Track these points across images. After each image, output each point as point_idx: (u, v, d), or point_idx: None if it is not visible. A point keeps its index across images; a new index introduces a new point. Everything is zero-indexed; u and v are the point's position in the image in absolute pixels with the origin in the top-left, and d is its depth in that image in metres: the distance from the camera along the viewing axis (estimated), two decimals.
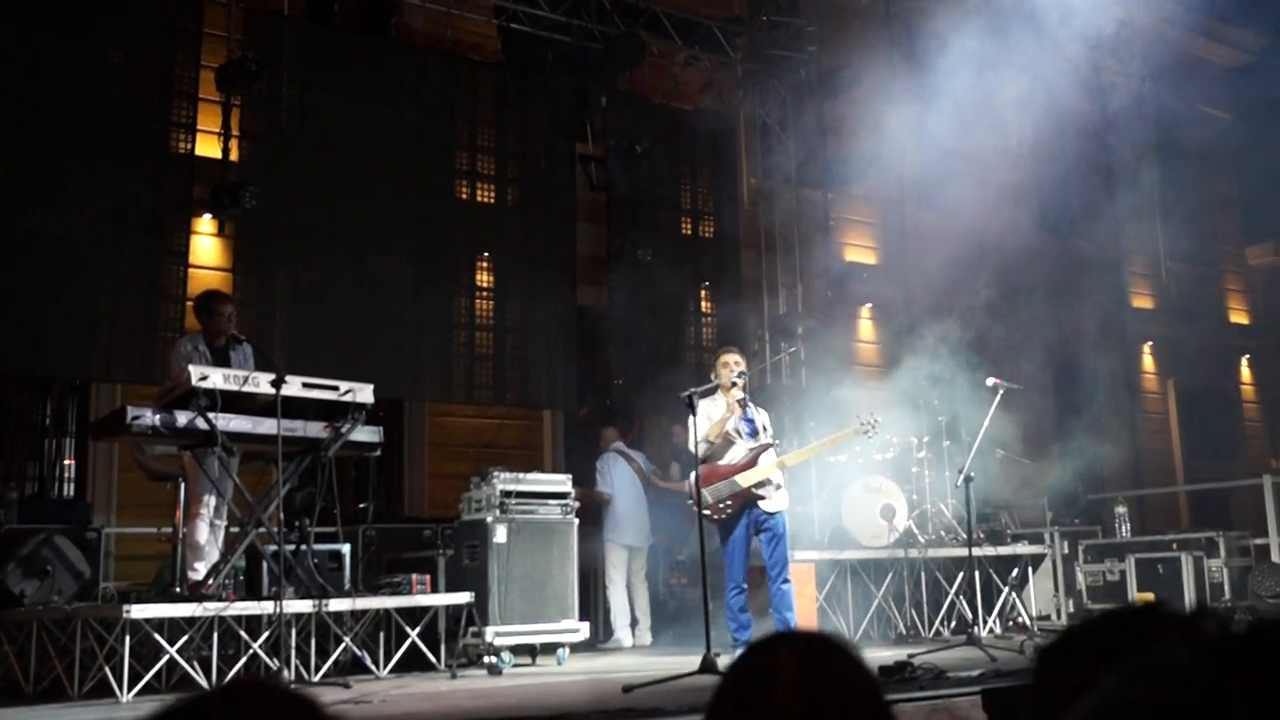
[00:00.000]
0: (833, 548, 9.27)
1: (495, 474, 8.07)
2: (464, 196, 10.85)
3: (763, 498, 7.02)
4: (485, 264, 10.89)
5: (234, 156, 9.56)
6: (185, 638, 6.41)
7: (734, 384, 7.07)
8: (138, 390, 8.47)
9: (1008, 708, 4.33)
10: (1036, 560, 10.34)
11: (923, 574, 9.51)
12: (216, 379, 6.44)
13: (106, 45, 9.19)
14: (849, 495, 9.42)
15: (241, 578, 7.34)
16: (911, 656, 6.19)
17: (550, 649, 8.08)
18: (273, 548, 6.81)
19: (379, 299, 10.14)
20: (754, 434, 7.15)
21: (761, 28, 12.45)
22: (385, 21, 10.72)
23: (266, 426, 6.53)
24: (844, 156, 12.46)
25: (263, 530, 6.94)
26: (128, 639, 6.09)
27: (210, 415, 6.40)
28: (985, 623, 9.19)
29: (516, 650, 7.87)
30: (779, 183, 12.73)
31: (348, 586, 7.54)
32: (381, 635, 7.30)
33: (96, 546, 8.10)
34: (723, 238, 12.60)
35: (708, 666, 5.94)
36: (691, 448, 6.89)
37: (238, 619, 6.53)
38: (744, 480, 7.00)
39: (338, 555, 7.77)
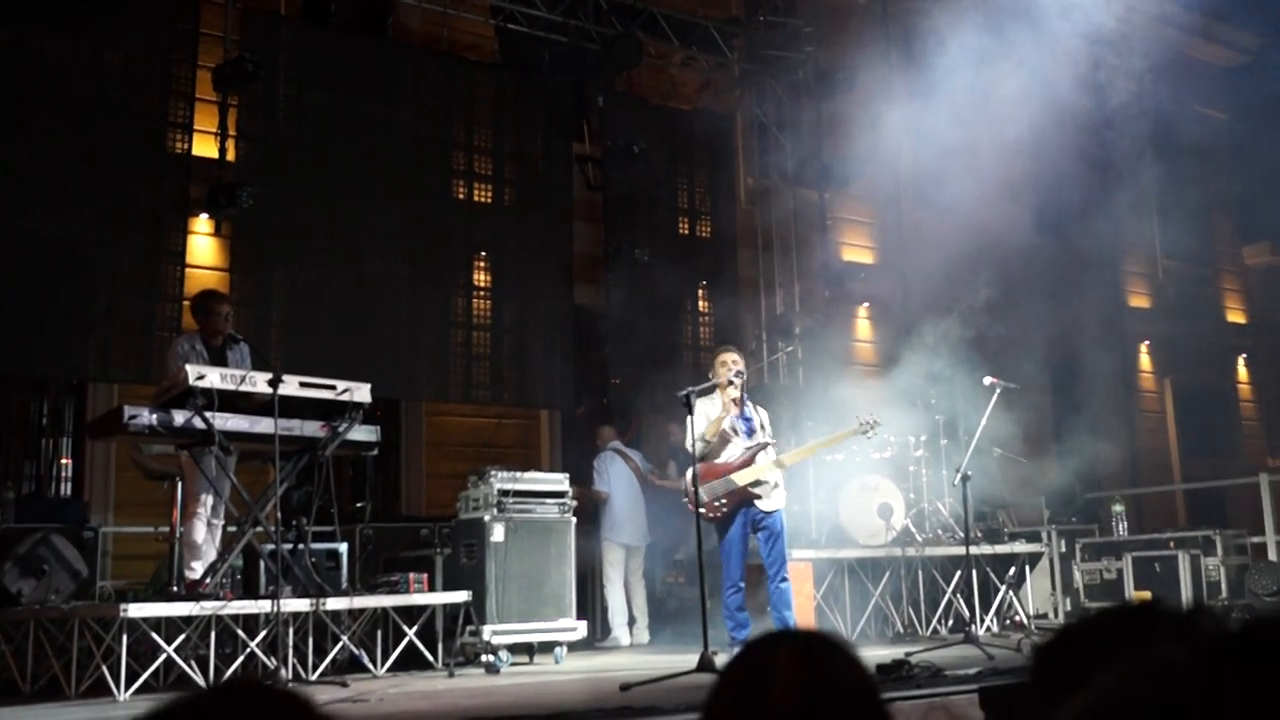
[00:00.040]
0: (830, 546, 9.27)
1: (492, 473, 8.07)
2: (461, 196, 10.85)
3: (759, 496, 7.02)
4: (482, 263, 10.89)
5: (231, 156, 9.55)
6: (182, 637, 6.41)
7: (731, 383, 7.06)
8: (135, 390, 8.46)
9: (1005, 706, 4.33)
10: (1034, 559, 10.35)
11: (920, 573, 9.52)
12: (214, 378, 6.44)
13: (104, 46, 9.18)
14: (846, 494, 9.42)
15: (239, 577, 7.34)
16: (909, 655, 6.19)
17: (548, 648, 8.08)
18: (270, 547, 6.80)
19: (376, 299, 10.14)
20: (751, 433, 7.15)
21: (759, 28, 12.45)
22: (382, 22, 10.70)
23: (264, 426, 6.53)
24: (841, 156, 12.47)
25: (260, 529, 6.94)
26: (125, 638, 6.09)
27: (207, 414, 6.39)
28: (982, 621, 9.20)
29: (514, 649, 7.86)
30: (776, 182, 12.74)
31: (345, 585, 7.54)
32: (379, 634, 7.30)
33: (93, 545, 8.10)
34: (720, 237, 12.60)
35: (705, 665, 5.95)
36: (688, 446, 6.89)
37: (235, 618, 6.53)
38: (739, 479, 7.00)
39: (335, 554, 7.78)
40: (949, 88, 10.29)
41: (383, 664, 7.21)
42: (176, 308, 9.04)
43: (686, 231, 12.48)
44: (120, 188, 9.08)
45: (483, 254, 10.90)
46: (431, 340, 10.48)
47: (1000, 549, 9.80)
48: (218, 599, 6.54)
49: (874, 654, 6.52)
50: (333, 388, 6.90)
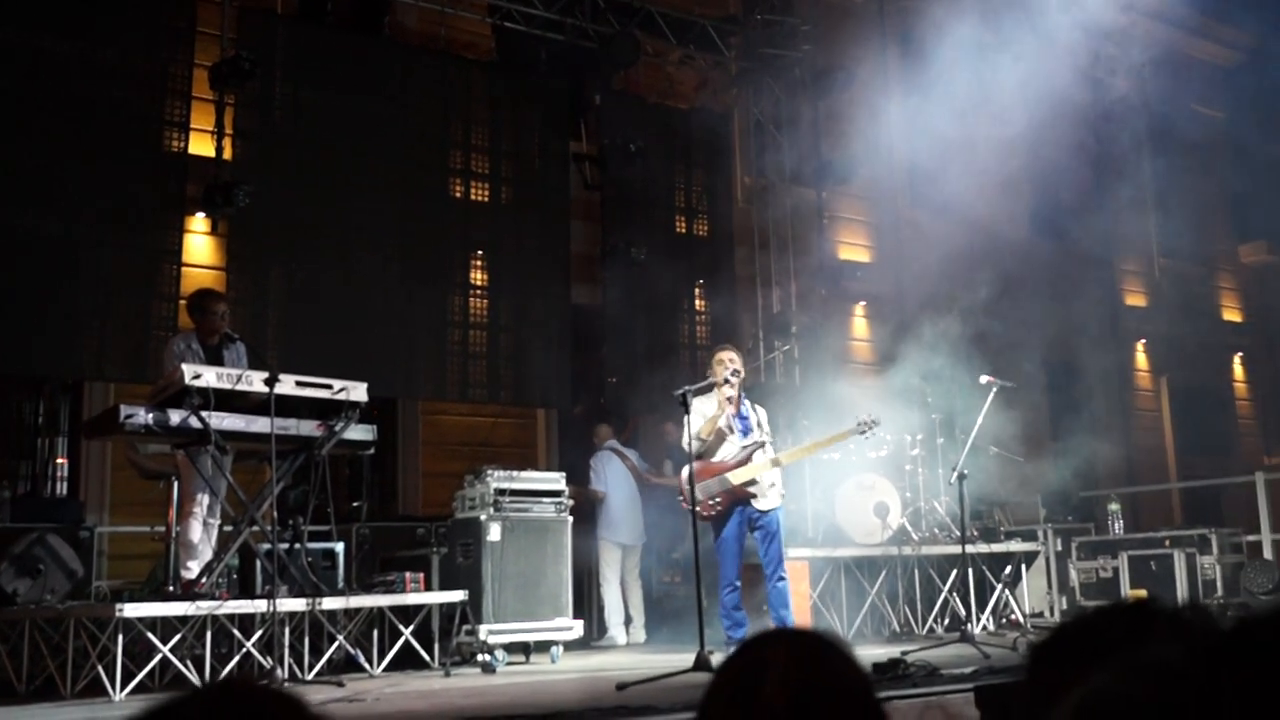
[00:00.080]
0: (826, 545, 9.27)
1: (489, 472, 8.07)
2: (458, 195, 10.84)
3: (754, 495, 7.01)
4: (479, 262, 10.88)
5: (227, 155, 9.53)
6: (178, 636, 6.40)
7: (728, 381, 7.05)
8: (131, 389, 8.44)
9: (1001, 705, 4.34)
10: (1030, 557, 10.35)
11: (916, 571, 9.52)
12: (210, 377, 6.43)
13: (100, 44, 9.15)
14: (843, 493, 9.42)
15: (235, 576, 7.33)
16: (905, 654, 6.19)
17: (544, 647, 8.08)
18: (266, 546, 6.80)
19: (373, 297, 10.13)
20: (747, 431, 7.14)
21: (756, 26, 12.45)
22: (379, 20, 10.69)
23: (260, 425, 6.52)
24: (838, 154, 12.47)
25: (256, 529, 6.93)
26: (120, 638, 6.07)
27: (203, 414, 6.39)
28: (978, 620, 9.20)
29: (510, 648, 7.86)
30: (773, 181, 12.74)
31: (341, 585, 7.54)
32: (375, 634, 7.30)
33: (89, 545, 8.08)
34: (717, 236, 12.60)
35: (701, 664, 5.94)
36: (685, 445, 6.89)
37: (231, 618, 6.52)
38: (734, 478, 7.00)
39: (331, 554, 7.78)
40: (945, 86, 10.30)
41: (379, 664, 7.20)
42: (173, 306, 9.02)
43: (684, 230, 12.47)
44: (116, 186, 9.06)
45: (479, 253, 10.89)
46: (428, 339, 10.47)
47: (996, 548, 9.81)
48: (214, 599, 6.53)
49: (870, 653, 6.51)
50: (329, 387, 6.89)
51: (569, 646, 8.29)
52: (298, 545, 6.98)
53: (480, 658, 7.56)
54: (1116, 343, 16.09)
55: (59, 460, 9.54)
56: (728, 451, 7.07)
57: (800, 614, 8.04)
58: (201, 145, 9.48)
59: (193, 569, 6.83)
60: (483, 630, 7.58)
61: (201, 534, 6.95)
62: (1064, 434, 13.45)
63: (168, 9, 9.45)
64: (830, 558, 9.18)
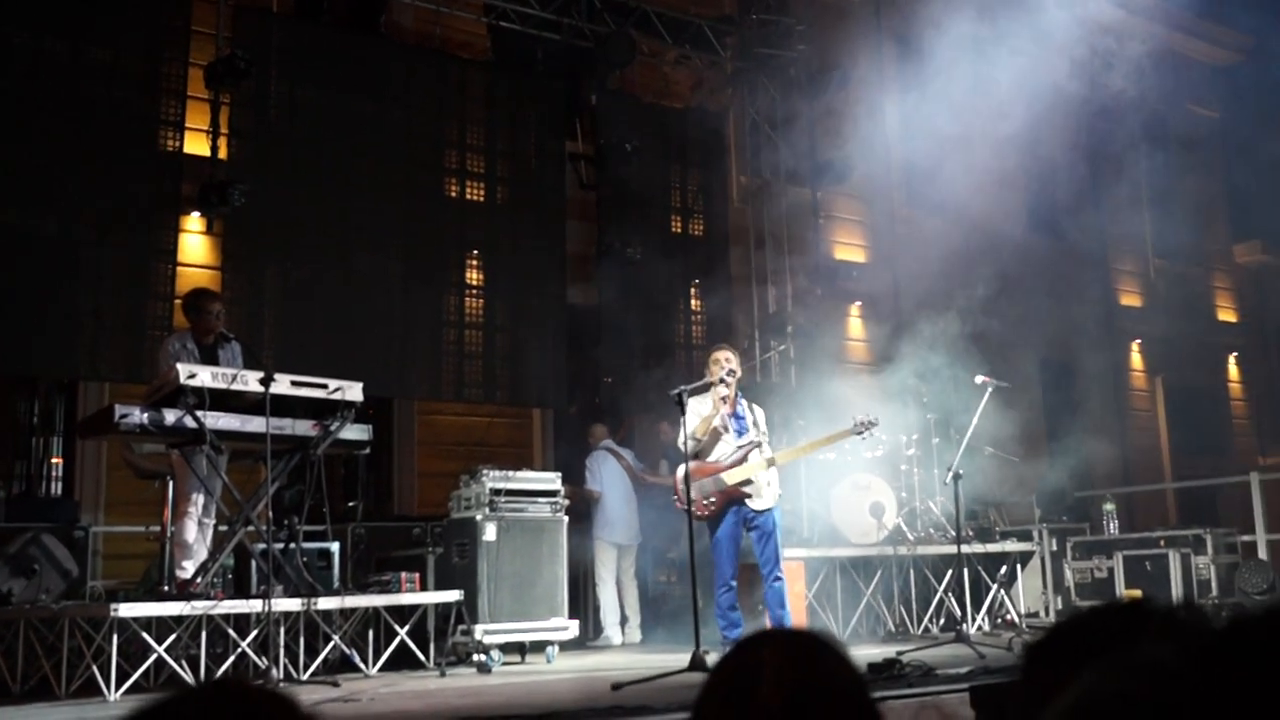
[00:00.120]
0: (822, 545, 9.28)
1: (485, 472, 8.06)
2: (453, 194, 10.83)
3: (749, 495, 7.01)
4: (475, 262, 10.87)
5: (223, 154, 9.52)
6: (173, 636, 6.39)
7: (723, 380, 7.05)
8: (126, 389, 8.44)
9: (996, 704, 4.34)
10: (1025, 557, 10.36)
11: (912, 571, 9.53)
12: (205, 377, 6.42)
13: (94, 43, 9.14)
14: (838, 493, 9.43)
15: (230, 576, 7.32)
16: (900, 654, 6.19)
17: (539, 647, 8.07)
18: (261, 546, 6.78)
19: (368, 297, 10.12)
20: (743, 431, 7.14)
21: (751, 26, 12.46)
22: (374, 19, 10.69)
23: (255, 425, 6.52)
24: (834, 154, 12.47)
25: (251, 529, 6.92)
26: (115, 638, 6.06)
27: (198, 413, 6.38)
28: (974, 620, 9.20)
29: (506, 648, 7.85)
30: (769, 180, 12.75)
31: (336, 585, 7.53)
32: (370, 633, 7.29)
33: (84, 545, 8.07)
34: (712, 235, 12.60)
35: (697, 664, 5.94)
36: (681, 445, 6.88)
37: (226, 617, 6.51)
38: (729, 478, 6.99)
39: (327, 553, 7.77)
40: (941, 86, 10.31)
41: (374, 663, 7.20)
42: (168, 306, 9.01)
43: (679, 230, 12.47)
44: (111, 186, 9.04)
45: (475, 252, 10.89)
46: (424, 339, 10.46)
47: (992, 548, 9.82)
48: (209, 598, 6.52)
49: (866, 653, 6.52)
50: (325, 386, 6.88)
51: (564, 646, 8.29)
52: (293, 545, 6.96)
53: (476, 658, 7.55)
54: (1111, 342, 16.12)
55: (54, 460, 9.53)
56: (723, 451, 7.07)
57: (795, 614, 8.04)
58: (197, 144, 9.47)
59: (188, 569, 6.82)
60: (478, 630, 7.57)
61: (197, 534, 6.95)
62: (1059, 434, 13.46)
63: (164, 8, 9.44)
64: (826, 558, 9.19)
